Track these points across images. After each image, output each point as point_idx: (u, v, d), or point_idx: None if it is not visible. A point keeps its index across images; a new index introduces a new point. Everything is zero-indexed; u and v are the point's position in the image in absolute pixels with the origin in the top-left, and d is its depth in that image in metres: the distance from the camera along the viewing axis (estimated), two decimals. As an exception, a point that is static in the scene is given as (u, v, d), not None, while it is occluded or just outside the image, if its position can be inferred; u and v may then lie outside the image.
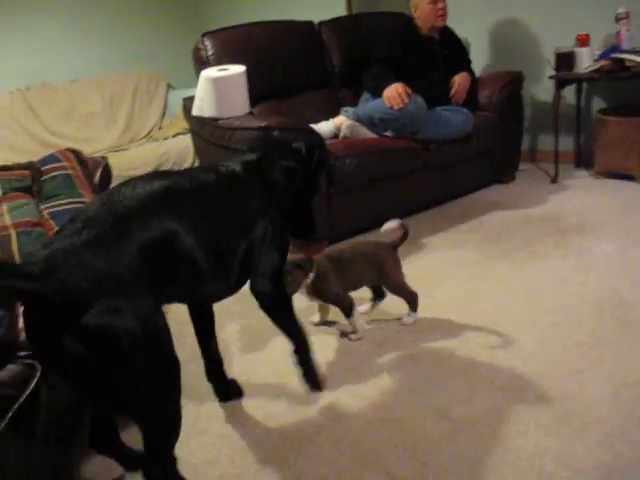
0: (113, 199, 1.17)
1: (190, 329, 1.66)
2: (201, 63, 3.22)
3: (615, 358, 1.72)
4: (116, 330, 1.01)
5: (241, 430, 1.60)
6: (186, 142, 4.18)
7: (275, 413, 1.65)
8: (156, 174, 1.38)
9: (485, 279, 2.37)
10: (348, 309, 1.95)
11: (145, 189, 1.22)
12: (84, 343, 0.99)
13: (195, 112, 3.04)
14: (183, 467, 1.47)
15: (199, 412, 1.68)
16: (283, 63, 3.44)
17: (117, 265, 1.06)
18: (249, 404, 1.70)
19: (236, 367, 1.89)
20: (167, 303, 1.31)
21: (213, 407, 1.70)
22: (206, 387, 1.76)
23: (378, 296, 2.12)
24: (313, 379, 1.67)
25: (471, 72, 3.53)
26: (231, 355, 1.96)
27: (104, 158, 2.32)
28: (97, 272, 1.02)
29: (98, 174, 2.16)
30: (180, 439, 1.59)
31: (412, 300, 2.05)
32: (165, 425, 1.20)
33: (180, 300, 1.41)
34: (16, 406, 1.18)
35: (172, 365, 1.17)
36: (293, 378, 1.74)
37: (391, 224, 2.02)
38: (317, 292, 1.91)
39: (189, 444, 1.55)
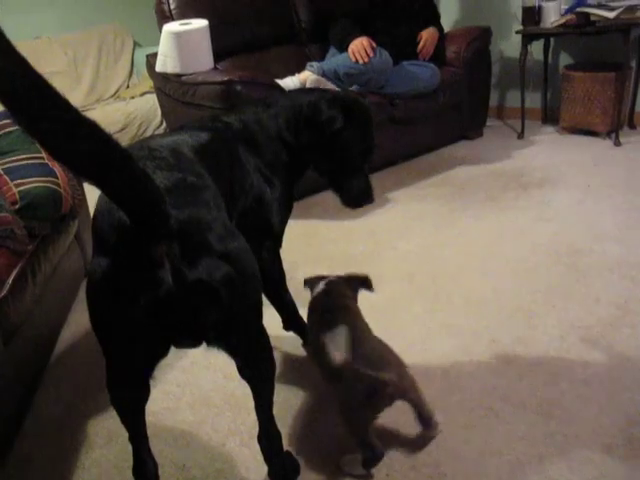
0: None
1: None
2: (164, 17, 3.14)
3: (565, 304, 1.78)
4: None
5: (202, 378, 1.64)
6: (154, 101, 4.09)
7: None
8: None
9: (446, 231, 2.41)
10: None
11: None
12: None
13: (158, 68, 2.98)
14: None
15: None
16: (249, 18, 3.36)
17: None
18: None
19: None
20: None
21: (173, 357, 1.73)
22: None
23: None
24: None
25: (439, 27, 3.49)
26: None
27: (63, 114, 2.27)
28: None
29: (56, 129, 2.13)
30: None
31: None
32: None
33: None
34: None
35: None
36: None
37: None
38: None
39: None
